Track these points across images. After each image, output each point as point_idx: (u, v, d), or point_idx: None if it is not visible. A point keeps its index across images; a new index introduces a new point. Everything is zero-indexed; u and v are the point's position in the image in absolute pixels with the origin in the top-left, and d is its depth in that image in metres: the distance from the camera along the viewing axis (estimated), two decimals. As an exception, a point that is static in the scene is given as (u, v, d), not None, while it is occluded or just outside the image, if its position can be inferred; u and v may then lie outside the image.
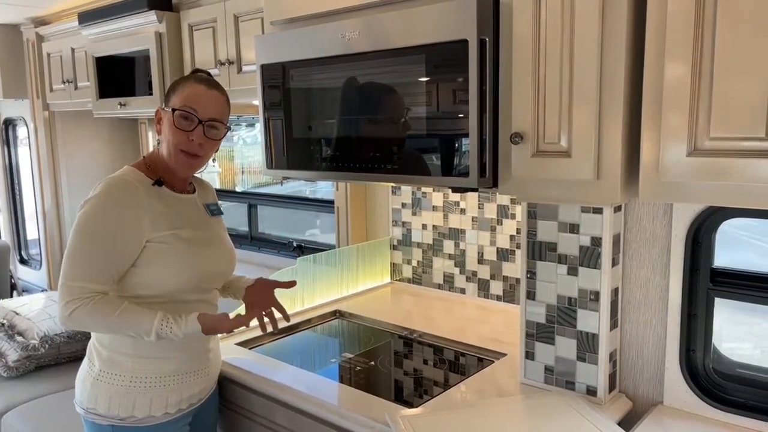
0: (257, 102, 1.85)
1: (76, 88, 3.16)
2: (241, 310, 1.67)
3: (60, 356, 2.76)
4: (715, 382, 1.44)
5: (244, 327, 1.61)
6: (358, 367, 1.78)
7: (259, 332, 1.93)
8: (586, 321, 1.47)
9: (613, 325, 1.49)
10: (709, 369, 1.45)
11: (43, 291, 3.74)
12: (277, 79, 1.76)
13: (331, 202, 2.62)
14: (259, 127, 1.84)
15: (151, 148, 3.69)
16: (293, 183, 3.57)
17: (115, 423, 1.47)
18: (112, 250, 1.40)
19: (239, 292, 1.67)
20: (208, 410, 1.67)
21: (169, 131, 1.47)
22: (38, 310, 2.87)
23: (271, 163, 1.84)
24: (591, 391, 1.48)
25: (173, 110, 1.46)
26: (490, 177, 1.40)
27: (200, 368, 1.57)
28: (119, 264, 1.42)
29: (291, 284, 1.69)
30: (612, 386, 1.51)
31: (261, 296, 1.64)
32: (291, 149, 1.78)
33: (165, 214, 1.48)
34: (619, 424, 1.42)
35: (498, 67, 1.37)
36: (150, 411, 1.48)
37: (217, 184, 4.33)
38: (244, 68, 2.23)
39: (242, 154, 4.36)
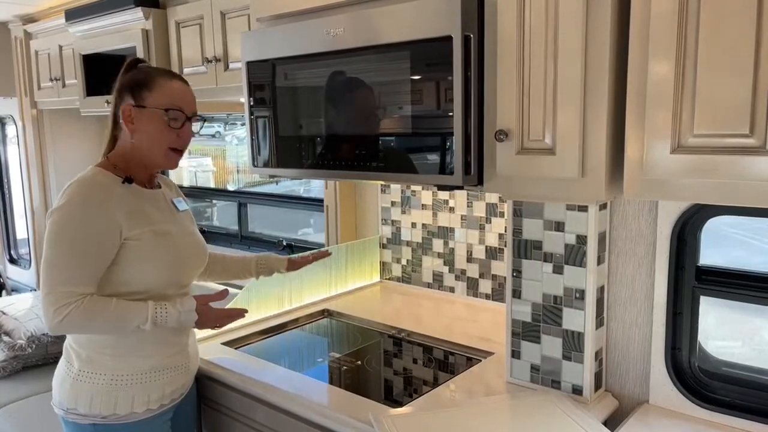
0: (243, 99, 1.84)
1: (63, 85, 3.14)
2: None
3: (47, 356, 2.74)
4: (701, 380, 1.43)
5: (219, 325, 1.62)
6: (346, 367, 1.77)
7: (245, 332, 1.95)
8: (572, 320, 1.46)
9: (599, 323, 1.49)
10: (695, 368, 1.44)
11: (32, 291, 3.71)
12: (263, 77, 1.75)
13: (322, 200, 2.60)
14: (246, 124, 1.83)
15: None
16: (288, 181, 3.55)
17: (97, 422, 1.46)
18: (92, 251, 1.39)
19: (280, 267, 1.86)
20: (188, 406, 1.67)
21: (158, 131, 1.46)
22: (25, 309, 2.85)
23: (257, 161, 1.83)
24: (577, 390, 1.47)
25: (166, 110, 1.45)
26: (475, 175, 1.39)
27: (180, 363, 1.56)
28: (100, 264, 1.41)
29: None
30: (598, 385, 1.51)
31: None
32: (277, 147, 1.77)
33: (138, 211, 1.47)
34: (605, 423, 1.41)
35: (483, 64, 1.36)
36: (132, 408, 1.47)
37: (211, 183, 4.31)
38: (231, 65, 2.21)
39: (237, 153, 4.34)
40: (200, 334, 1.77)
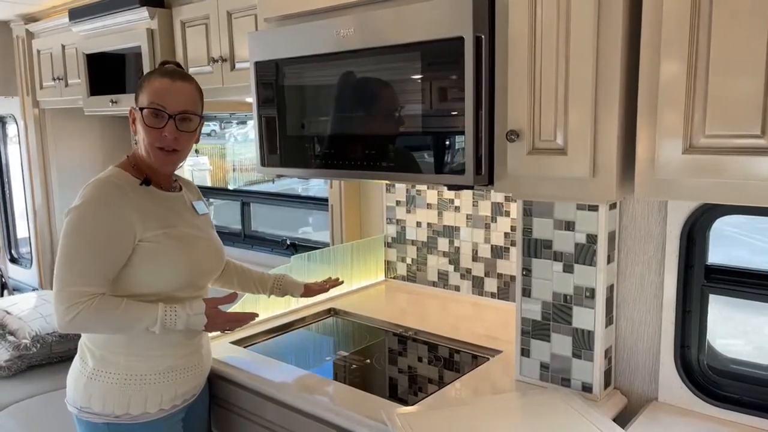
0: (250, 99, 1.84)
1: (66, 85, 3.13)
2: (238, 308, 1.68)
3: (52, 356, 2.75)
4: (710, 378, 1.45)
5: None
6: (354, 365, 1.78)
7: (253, 331, 1.95)
8: (582, 318, 1.47)
9: (609, 321, 1.50)
10: (704, 365, 1.46)
11: (34, 290, 3.71)
12: (271, 77, 1.75)
13: (325, 199, 2.61)
14: (254, 124, 1.83)
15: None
16: (285, 180, 3.56)
17: (110, 421, 1.46)
18: (105, 252, 1.40)
19: (294, 291, 1.85)
20: (200, 406, 1.68)
21: (143, 130, 1.47)
22: (30, 309, 2.85)
23: (265, 160, 1.83)
24: (586, 388, 1.48)
25: (141, 109, 1.46)
26: (485, 175, 1.40)
27: (194, 364, 1.57)
28: (113, 265, 1.42)
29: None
30: (607, 383, 1.52)
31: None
32: (285, 147, 1.78)
33: (155, 214, 1.47)
34: (614, 420, 1.42)
35: (494, 65, 1.37)
36: (145, 408, 1.48)
37: (207, 182, 4.31)
38: (238, 65, 2.22)
39: (233, 152, 4.35)
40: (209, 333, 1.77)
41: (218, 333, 1.85)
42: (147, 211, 1.45)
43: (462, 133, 1.38)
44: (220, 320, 1.51)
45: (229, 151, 4.45)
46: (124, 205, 1.42)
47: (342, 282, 1.94)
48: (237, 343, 1.88)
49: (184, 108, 1.48)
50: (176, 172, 1.62)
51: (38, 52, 3.30)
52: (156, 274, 1.45)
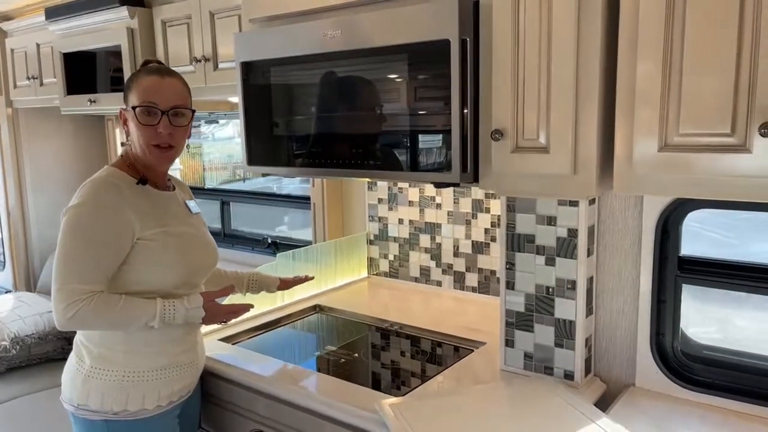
0: (233, 99, 1.87)
1: (41, 84, 3.10)
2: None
3: (31, 357, 2.73)
4: (684, 363, 1.53)
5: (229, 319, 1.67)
6: (343, 360, 1.82)
7: (241, 328, 1.98)
8: (564, 309, 1.53)
9: (589, 312, 1.57)
10: (678, 352, 1.54)
11: (7, 292, 3.65)
12: (258, 77, 1.78)
13: (305, 198, 2.64)
14: (239, 124, 1.85)
15: (118, 145, 3.66)
16: (258, 179, 3.56)
17: (108, 418, 1.48)
18: (104, 250, 1.41)
19: (270, 286, 1.89)
20: (194, 403, 1.70)
21: (136, 129, 1.48)
22: (7, 311, 2.83)
23: (251, 159, 1.86)
24: (568, 376, 1.55)
25: (134, 108, 1.47)
26: (471, 172, 1.45)
27: (190, 361, 1.59)
28: (112, 263, 1.43)
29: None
30: (588, 370, 1.59)
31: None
32: (271, 146, 1.80)
33: (152, 212, 1.49)
34: (595, 405, 1.49)
35: (478, 66, 1.42)
36: (143, 404, 1.49)
37: (179, 182, 4.27)
38: (221, 65, 2.23)
39: (203, 151, 4.32)
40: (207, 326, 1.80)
41: (208, 329, 1.87)
42: (144, 210, 1.47)
43: (448, 132, 1.42)
44: (218, 312, 1.55)
45: (203, 149, 4.41)
46: (122, 203, 1.44)
47: (313, 278, 2.00)
48: (225, 340, 1.91)
49: (175, 103, 1.50)
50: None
51: (12, 51, 3.25)
52: (154, 271, 1.47)
